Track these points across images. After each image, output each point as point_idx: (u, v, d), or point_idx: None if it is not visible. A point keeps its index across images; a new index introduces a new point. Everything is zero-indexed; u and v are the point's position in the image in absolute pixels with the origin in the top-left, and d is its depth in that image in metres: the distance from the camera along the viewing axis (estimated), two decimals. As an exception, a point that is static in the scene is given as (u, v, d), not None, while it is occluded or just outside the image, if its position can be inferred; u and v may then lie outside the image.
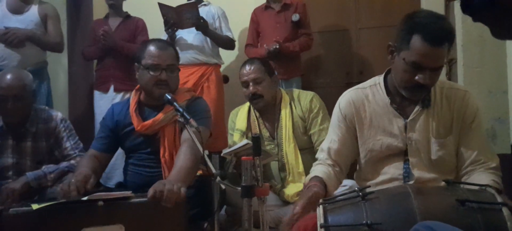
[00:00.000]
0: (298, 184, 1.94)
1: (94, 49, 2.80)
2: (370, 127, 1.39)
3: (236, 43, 2.92)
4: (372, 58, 3.13)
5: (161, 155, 1.67)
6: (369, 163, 1.42)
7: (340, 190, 1.43)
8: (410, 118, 1.35)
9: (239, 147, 1.82)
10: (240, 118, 2.13)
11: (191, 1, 2.74)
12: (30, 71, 2.18)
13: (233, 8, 3.01)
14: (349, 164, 1.47)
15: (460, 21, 2.13)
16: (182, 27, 2.67)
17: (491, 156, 1.35)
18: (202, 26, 2.63)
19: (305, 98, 2.05)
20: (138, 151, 1.74)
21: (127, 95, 2.72)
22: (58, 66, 3.17)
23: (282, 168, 2.01)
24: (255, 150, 1.12)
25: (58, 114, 2.03)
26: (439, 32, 1.22)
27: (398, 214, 1.01)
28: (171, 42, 2.45)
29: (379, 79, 1.43)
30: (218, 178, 1.29)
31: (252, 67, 2.03)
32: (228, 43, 2.82)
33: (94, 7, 3.26)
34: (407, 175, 1.36)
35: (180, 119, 1.48)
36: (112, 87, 2.76)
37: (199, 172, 1.69)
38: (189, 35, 2.74)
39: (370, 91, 1.42)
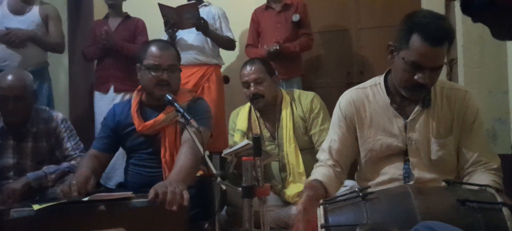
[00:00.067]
0: (299, 184, 1.94)
1: (93, 49, 2.80)
2: (370, 127, 1.40)
3: (237, 44, 2.92)
4: (373, 58, 3.13)
5: (161, 155, 1.67)
6: (369, 163, 1.42)
7: (341, 190, 1.44)
8: (410, 117, 1.35)
9: (240, 147, 1.82)
10: (240, 118, 2.13)
11: (191, 1, 2.74)
12: (31, 71, 2.18)
13: (233, 9, 3.01)
14: (350, 163, 1.47)
15: (461, 21, 2.13)
16: (182, 27, 2.67)
17: (492, 157, 1.35)
18: (202, 26, 2.63)
19: (306, 98, 2.05)
20: (139, 151, 1.75)
21: (127, 96, 2.72)
22: (59, 66, 3.17)
23: (283, 168, 2.01)
24: (255, 150, 1.12)
25: (59, 114, 2.03)
26: (438, 32, 1.22)
27: (399, 214, 1.01)
28: (172, 43, 2.46)
29: (379, 79, 1.43)
30: (219, 178, 1.29)
31: (253, 68, 2.03)
32: (229, 44, 2.82)
33: (95, 7, 3.26)
34: (407, 175, 1.36)
35: (181, 120, 1.49)
36: (112, 88, 2.76)
37: (200, 172, 1.69)
38: (189, 35, 2.75)
39: (371, 91, 1.42)
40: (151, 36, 2.79)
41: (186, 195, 1.29)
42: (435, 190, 1.15)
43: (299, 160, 1.97)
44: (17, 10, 2.56)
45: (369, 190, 1.10)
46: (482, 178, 1.27)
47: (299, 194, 1.92)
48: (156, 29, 2.86)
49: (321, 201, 1.12)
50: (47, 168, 1.90)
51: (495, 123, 2.08)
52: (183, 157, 1.52)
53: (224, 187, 1.32)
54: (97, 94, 2.83)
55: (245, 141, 1.85)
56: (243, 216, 1.10)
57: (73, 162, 1.94)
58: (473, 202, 1.00)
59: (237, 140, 2.07)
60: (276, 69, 2.16)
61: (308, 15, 2.86)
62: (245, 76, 2.04)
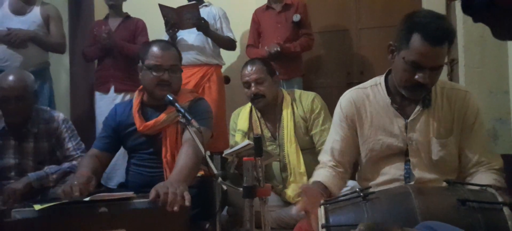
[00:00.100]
0: (300, 184, 1.94)
1: (93, 49, 2.81)
2: (371, 127, 1.40)
3: (237, 44, 2.93)
4: (373, 59, 3.13)
5: (163, 155, 1.67)
6: (369, 163, 1.42)
7: (342, 190, 1.44)
8: (411, 118, 1.35)
9: (241, 148, 1.82)
10: (241, 118, 2.13)
11: (192, 2, 2.75)
12: (32, 72, 2.18)
13: (234, 9, 3.02)
14: (353, 163, 1.47)
15: (461, 21, 2.13)
16: (183, 27, 2.68)
17: (493, 157, 1.35)
18: (203, 26, 2.64)
19: (307, 98, 2.05)
20: (140, 151, 1.75)
21: (127, 96, 2.73)
22: (60, 67, 3.18)
23: (284, 168, 2.01)
24: (256, 150, 1.12)
25: (60, 115, 2.03)
26: (439, 31, 1.22)
27: (399, 214, 1.01)
28: (173, 43, 2.46)
29: (380, 79, 1.43)
30: (220, 179, 1.30)
31: (254, 68, 2.03)
32: (229, 44, 2.82)
33: (95, 7, 3.27)
34: (408, 175, 1.36)
35: (181, 120, 1.49)
36: (112, 88, 2.77)
37: (201, 173, 1.69)
38: (190, 36, 2.75)
39: (371, 91, 1.42)
40: (151, 37, 2.80)
41: (187, 195, 1.29)
42: (435, 190, 1.15)
43: (300, 160, 1.97)
44: (18, 11, 2.56)
45: (370, 190, 1.10)
46: (484, 177, 1.28)
47: (299, 194, 1.92)
48: (156, 29, 2.86)
49: (322, 201, 1.12)
50: (48, 168, 1.90)
51: (495, 123, 2.08)
52: (183, 157, 1.52)
53: (225, 187, 1.32)
54: (97, 95, 2.83)
55: (246, 141, 1.85)
56: (244, 216, 1.11)
57: (74, 162, 1.94)
58: (473, 202, 1.00)
59: (238, 140, 2.07)
60: (276, 69, 2.16)
61: (308, 15, 2.86)
62: (246, 76, 2.05)
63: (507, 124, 2.07)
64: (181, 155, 1.54)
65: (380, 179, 1.39)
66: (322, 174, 1.39)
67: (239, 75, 2.15)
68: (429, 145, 1.34)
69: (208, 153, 1.45)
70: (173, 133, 1.69)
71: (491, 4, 0.70)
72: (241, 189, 1.10)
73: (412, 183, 1.32)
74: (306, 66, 3.08)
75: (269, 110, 2.08)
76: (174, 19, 2.62)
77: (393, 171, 1.37)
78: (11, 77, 1.87)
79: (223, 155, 1.98)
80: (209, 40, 2.76)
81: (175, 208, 1.25)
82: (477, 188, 1.10)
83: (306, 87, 2.77)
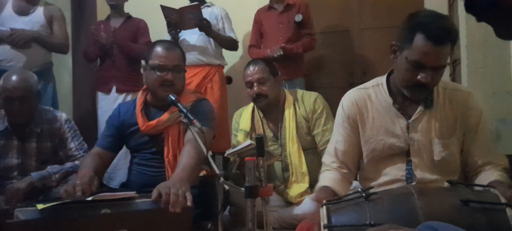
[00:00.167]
0: (301, 185, 1.94)
1: (93, 49, 2.82)
2: (373, 127, 1.40)
3: (239, 44, 2.93)
4: (375, 59, 3.12)
5: (165, 155, 1.68)
6: (371, 163, 1.42)
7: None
8: (413, 118, 1.35)
9: (243, 148, 1.82)
10: (244, 118, 2.13)
11: (194, 3, 2.75)
12: (36, 72, 2.20)
13: (236, 9, 3.02)
14: (357, 163, 1.47)
15: (464, 22, 2.13)
16: (185, 27, 2.68)
17: (497, 157, 1.35)
18: (205, 27, 2.64)
19: (309, 98, 2.05)
20: (143, 150, 1.76)
21: (129, 96, 2.74)
22: (63, 67, 3.19)
23: (286, 168, 2.01)
24: (258, 150, 1.12)
25: (63, 115, 2.04)
26: (441, 31, 1.22)
27: (401, 214, 1.01)
28: (177, 44, 2.46)
29: (381, 79, 1.43)
30: (222, 179, 1.30)
31: (256, 68, 2.04)
32: (231, 44, 2.83)
33: (98, 8, 3.28)
34: (409, 175, 1.36)
35: (184, 120, 1.49)
36: (114, 88, 2.78)
37: (203, 173, 1.69)
38: (192, 36, 2.75)
39: (373, 92, 1.42)
40: (153, 37, 2.81)
41: (189, 196, 1.29)
42: (437, 191, 1.15)
43: (302, 160, 1.97)
44: (22, 11, 2.57)
45: (372, 190, 1.10)
46: (489, 174, 1.28)
47: (302, 194, 1.92)
48: (158, 29, 2.87)
49: (324, 201, 1.12)
50: (51, 168, 1.91)
51: (498, 124, 2.07)
52: (186, 156, 1.52)
53: (227, 187, 1.32)
54: (99, 95, 2.84)
55: (248, 141, 1.85)
56: (246, 216, 1.10)
57: (76, 162, 1.95)
58: (476, 203, 0.99)
59: (241, 140, 2.08)
60: (278, 69, 2.16)
61: (310, 15, 2.86)
62: (248, 76, 2.05)
63: (509, 125, 2.06)
64: (183, 155, 1.54)
65: (381, 179, 1.39)
66: (329, 178, 1.38)
67: (241, 75, 2.15)
68: (430, 146, 1.34)
69: (210, 153, 1.45)
70: (176, 132, 1.69)
71: (495, 3, 0.70)
72: (243, 189, 1.10)
73: (413, 183, 1.32)
74: (308, 66, 3.07)
75: (271, 110, 2.08)
76: (176, 20, 2.63)
77: (394, 172, 1.37)
78: (14, 78, 1.87)
79: (225, 155, 1.98)
80: (211, 40, 2.76)
81: (177, 210, 1.25)
82: (479, 188, 1.10)
83: (308, 87, 2.77)
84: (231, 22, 2.85)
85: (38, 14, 2.59)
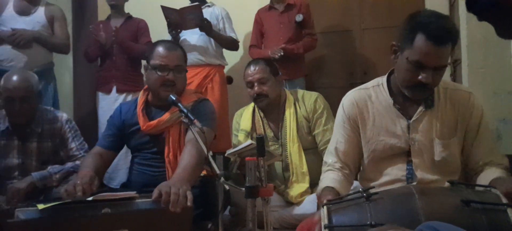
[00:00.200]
0: (302, 184, 1.94)
1: (93, 50, 2.82)
2: (373, 128, 1.39)
3: (240, 44, 2.93)
4: (376, 59, 3.12)
5: (165, 155, 1.68)
6: (371, 164, 1.42)
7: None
8: (413, 118, 1.35)
9: (243, 148, 1.82)
10: (244, 118, 2.13)
11: (194, 3, 2.75)
12: (37, 72, 2.20)
13: (236, 9, 3.02)
14: (358, 163, 1.47)
15: (465, 21, 2.12)
16: (186, 28, 2.68)
17: (498, 157, 1.35)
18: (205, 27, 2.64)
19: (310, 98, 2.05)
20: (144, 150, 1.76)
21: (129, 96, 2.74)
22: (64, 67, 3.19)
23: (286, 168, 2.01)
24: (259, 150, 1.12)
25: (63, 115, 2.04)
26: (442, 31, 1.21)
27: (402, 214, 1.01)
28: (179, 44, 2.47)
29: (382, 79, 1.43)
30: (222, 179, 1.30)
31: (257, 68, 2.04)
32: (232, 44, 2.83)
33: (99, 8, 3.28)
34: (410, 176, 1.35)
35: (184, 120, 1.49)
36: (114, 88, 2.78)
37: (203, 172, 1.69)
38: (193, 36, 2.76)
39: (373, 92, 1.42)
40: (153, 37, 2.81)
41: (189, 195, 1.29)
42: (439, 191, 1.15)
43: (302, 160, 1.97)
44: (23, 11, 2.57)
45: (373, 190, 1.10)
46: (490, 173, 1.27)
47: (302, 194, 1.92)
48: (158, 29, 2.87)
49: (324, 201, 1.12)
50: (52, 168, 1.91)
51: (499, 124, 2.07)
52: (186, 156, 1.53)
53: (227, 187, 1.32)
54: (100, 95, 2.85)
55: (248, 141, 1.85)
56: (246, 216, 1.10)
57: (77, 162, 1.95)
58: (477, 203, 0.99)
59: (241, 140, 2.08)
60: (279, 69, 2.16)
61: (311, 15, 2.86)
62: (249, 76, 2.05)
63: (510, 125, 2.05)
64: (184, 155, 1.54)
65: (382, 179, 1.39)
66: (331, 178, 1.38)
67: (241, 75, 2.15)
68: (431, 146, 1.34)
69: (210, 153, 1.45)
70: (176, 132, 1.69)
71: (495, 2, 0.70)
72: (244, 189, 1.10)
73: (414, 183, 1.32)
74: (309, 66, 3.07)
75: (272, 110, 2.08)
76: (177, 20, 2.63)
77: (395, 172, 1.37)
78: (15, 78, 1.88)
79: (226, 155, 1.98)
80: (212, 40, 2.76)
81: (177, 210, 1.25)
82: (480, 188, 1.10)
83: (309, 87, 2.77)
84: (231, 22, 2.85)
85: (39, 14, 2.59)
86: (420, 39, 1.22)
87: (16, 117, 1.92)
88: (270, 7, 2.89)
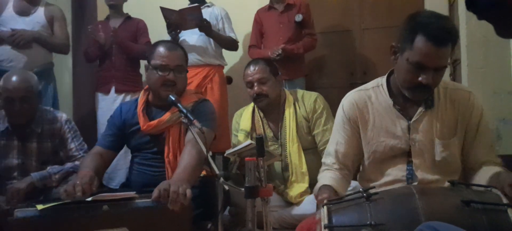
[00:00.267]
0: (301, 184, 1.94)
1: (93, 50, 2.82)
2: (373, 128, 1.39)
3: (240, 44, 2.93)
4: (376, 59, 3.12)
5: (165, 155, 1.68)
6: (372, 164, 1.41)
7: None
8: (413, 119, 1.35)
9: (243, 148, 1.82)
10: (244, 118, 2.13)
11: (193, 4, 2.75)
12: (36, 72, 2.20)
13: (236, 9, 3.02)
14: (357, 164, 1.47)
15: (464, 21, 2.12)
16: (185, 28, 2.68)
17: (495, 157, 1.35)
18: (205, 27, 2.64)
19: (309, 98, 2.05)
20: (144, 150, 1.76)
21: (128, 97, 2.74)
22: (63, 67, 3.19)
23: (286, 168, 2.01)
24: (258, 150, 1.12)
25: (63, 115, 2.04)
26: (442, 32, 1.21)
27: (402, 214, 1.01)
28: (179, 44, 2.46)
29: (381, 80, 1.43)
30: (222, 179, 1.30)
31: (257, 68, 2.04)
32: (231, 44, 2.83)
33: (99, 9, 3.28)
34: (410, 176, 1.35)
35: (184, 120, 1.49)
36: (113, 89, 2.78)
37: (203, 173, 1.69)
38: (192, 36, 2.75)
39: (373, 93, 1.42)
40: (152, 37, 2.81)
41: (189, 193, 1.29)
42: (439, 191, 1.15)
43: (302, 160, 1.97)
44: (23, 11, 2.57)
45: (373, 190, 1.10)
46: (488, 170, 1.27)
47: (301, 194, 1.92)
48: (157, 29, 2.87)
49: (324, 201, 1.12)
50: (51, 168, 1.91)
51: (499, 124, 2.07)
52: (186, 157, 1.53)
53: (227, 187, 1.32)
54: (99, 95, 2.84)
55: (248, 141, 1.85)
56: (246, 216, 1.10)
57: (77, 162, 1.95)
58: (477, 203, 0.99)
59: (241, 140, 2.08)
60: (279, 70, 2.16)
61: (311, 15, 2.86)
62: (249, 76, 2.05)
63: (510, 124, 2.05)
64: (184, 155, 1.54)
65: (382, 180, 1.39)
66: (329, 177, 1.38)
67: (241, 75, 2.15)
68: (432, 146, 1.33)
69: (210, 153, 1.45)
70: (176, 133, 1.69)
71: (495, 2, 0.70)
72: (243, 189, 1.10)
73: (415, 184, 1.32)
74: (309, 66, 3.07)
75: (272, 110, 2.08)
76: (176, 21, 2.63)
77: (395, 172, 1.37)
78: (15, 78, 1.88)
79: (225, 155, 1.98)
80: (211, 40, 2.76)
81: (176, 208, 1.25)
82: (481, 189, 1.10)
83: (309, 87, 2.76)
84: (231, 22, 2.84)
85: (39, 15, 2.59)
86: (420, 40, 1.22)
87: (16, 117, 1.92)
88: (270, 7, 2.88)
